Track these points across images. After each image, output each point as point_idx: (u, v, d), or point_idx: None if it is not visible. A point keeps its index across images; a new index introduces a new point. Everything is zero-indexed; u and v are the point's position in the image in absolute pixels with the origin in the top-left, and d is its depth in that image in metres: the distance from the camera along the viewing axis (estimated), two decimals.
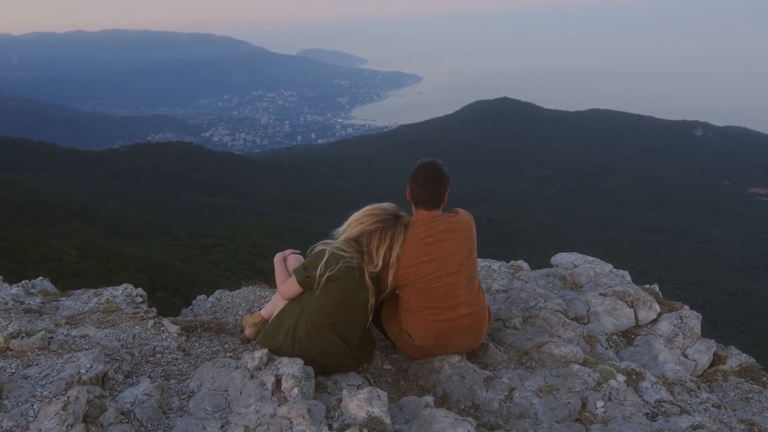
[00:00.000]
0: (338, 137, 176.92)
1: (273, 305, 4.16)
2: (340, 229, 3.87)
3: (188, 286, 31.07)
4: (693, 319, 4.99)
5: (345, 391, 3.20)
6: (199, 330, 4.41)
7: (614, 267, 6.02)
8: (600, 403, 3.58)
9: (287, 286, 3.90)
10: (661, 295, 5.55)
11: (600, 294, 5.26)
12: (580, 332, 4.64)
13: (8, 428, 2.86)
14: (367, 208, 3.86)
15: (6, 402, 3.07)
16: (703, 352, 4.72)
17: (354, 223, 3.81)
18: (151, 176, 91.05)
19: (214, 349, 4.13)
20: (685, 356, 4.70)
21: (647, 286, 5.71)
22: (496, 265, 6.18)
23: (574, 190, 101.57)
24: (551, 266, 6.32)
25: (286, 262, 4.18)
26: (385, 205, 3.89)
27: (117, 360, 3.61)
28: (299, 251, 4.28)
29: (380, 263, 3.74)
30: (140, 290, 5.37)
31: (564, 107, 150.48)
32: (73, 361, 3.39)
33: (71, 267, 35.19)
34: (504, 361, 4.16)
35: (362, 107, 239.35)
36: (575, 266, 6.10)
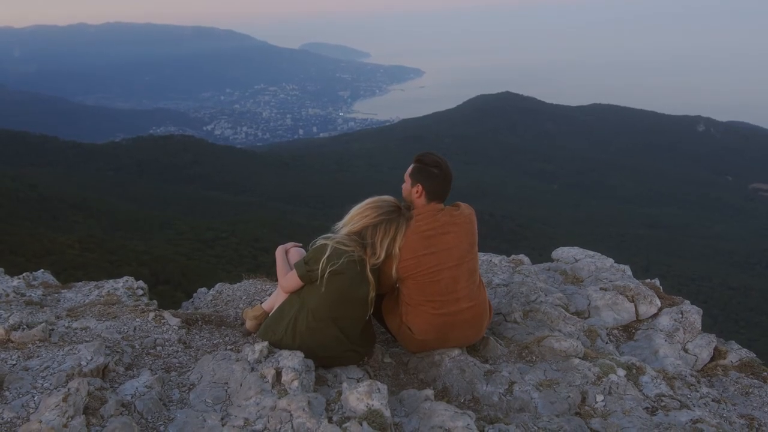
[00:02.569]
0: (340, 131, 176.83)
1: (274, 298, 4.16)
2: (341, 223, 3.86)
3: (189, 280, 31.09)
4: (693, 314, 4.99)
5: (345, 384, 3.20)
6: (200, 323, 4.41)
7: (615, 261, 6.02)
8: (600, 397, 3.58)
9: (288, 280, 3.90)
10: (661, 290, 5.56)
11: (601, 288, 5.26)
12: (580, 326, 4.64)
13: (9, 419, 2.86)
14: (369, 201, 3.85)
15: (7, 393, 3.08)
16: (703, 346, 4.72)
17: (357, 217, 3.80)
18: (153, 170, 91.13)
19: (214, 342, 4.13)
20: (686, 351, 4.70)
21: (648, 280, 5.71)
22: (497, 259, 6.18)
23: (575, 185, 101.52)
24: (552, 260, 6.32)
25: (288, 255, 4.17)
26: (386, 197, 3.89)
27: (118, 352, 3.61)
28: (301, 244, 4.28)
29: (383, 255, 3.73)
30: (141, 283, 5.38)
31: (566, 102, 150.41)
32: (74, 353, 3.40)
33: (73, 260, 35.24)
34: (504, 354, 4.17)
35: (364, 101, 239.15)
36: (576, 261, 6.10)
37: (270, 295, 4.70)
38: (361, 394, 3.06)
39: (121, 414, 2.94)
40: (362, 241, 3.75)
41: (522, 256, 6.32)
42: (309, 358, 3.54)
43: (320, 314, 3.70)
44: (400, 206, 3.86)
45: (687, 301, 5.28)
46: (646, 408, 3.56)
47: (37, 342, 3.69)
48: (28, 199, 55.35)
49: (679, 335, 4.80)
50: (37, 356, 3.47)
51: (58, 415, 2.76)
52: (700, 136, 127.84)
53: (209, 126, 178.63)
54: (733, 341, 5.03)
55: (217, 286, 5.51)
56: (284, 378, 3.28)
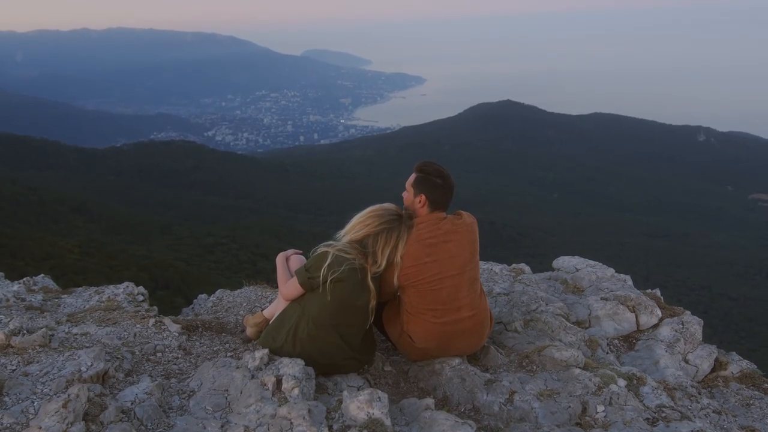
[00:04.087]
0: (341, 138, 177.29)
1: (276, 305, 4.14)
2: (343, 232, 3.85)
3: (189, 286, 31.12)
4: (694, 325, 4.98)
5: (345, 393, 3.19)
6: (200, 329, 4.40)
7: (616, 271, 6.01)
8: (600, 408, 3.57)
9: (288, 287, 3.89)
10: (662, 300, 5.55)
11: (601, 298, 5.25)
12: (581, 336, 4.63)
13: (8, 425, 2.86)
14: (370, 210, 3.84)
15: (6, 399, 3.07)
16: (704, 357, 4.71)
17: (358, 226, 3.80)
18: (154, 175, 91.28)
19: (214, 349, 4.13)
20: (686, 361, 4.69)
21: (649, 290, 5.70)
22: (497, 267, 6.18)
23: (576, 194, 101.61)
24: (553, 270, 6.31)
25: (289, 262, 4.16)
26: (387, 205, 3.88)
27: (118, 358, 3.61)
28: (300, 251, 4.27)
29: (384, 263, 3.73)
30: (141, 289, 5.36)
31: (567, 110, 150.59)
32: (74, 359, 3.39)
33: (73, 265, 35.29)
34: (505, 364, 4.16)
35: (365, 108, 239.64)
36: (577, 270, 6.09)
37: (271, 302, 4.69)
38: (362, 403, 3.05)
39: (120, 420, 2.94)
40: (363, 250, 3.75)
41: (523, 265, 6.32)
42: (309, 366, 3.54)
43: (321, 321, 3.69)
44: (401, 214, 3.85)
45: (688, 312, 5.27)
46: (647, 419, 3.55)
47: (37, 347, 3.68)
48: (29, 203, 55.43)
49: (680, 346, 4.80)
50: (37, 362, 3.47)
51: (58, 421, 2.76)
52: (700, 145, 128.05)
53: (210, 132, 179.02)
54: (734, 352, 5.02)
55: (218, 292, 5.51)
56: (285, 386, 3.28)
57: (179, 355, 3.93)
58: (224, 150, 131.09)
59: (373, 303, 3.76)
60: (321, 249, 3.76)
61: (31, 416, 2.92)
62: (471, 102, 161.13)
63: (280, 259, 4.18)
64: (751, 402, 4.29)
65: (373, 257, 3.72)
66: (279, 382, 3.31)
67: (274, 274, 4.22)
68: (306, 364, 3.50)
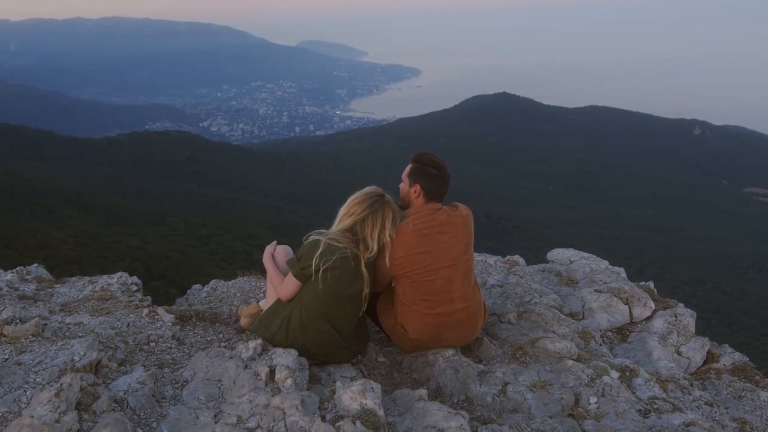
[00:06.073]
0: (336, 129, 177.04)
1: (270, 296, 4.13)
2: (333, 227, 3.83)
3: (184, 276, 31.08)
4: (687, 317, 5.00)
5: (339, 383, 3.19)
6: (194, 319, 4.39)
7: (610, 264, 6.02)
8: (593, 399, 3.58)
9: (285, 287, 3.82)
10: (656, 293, 5.56)
11: (595, 290, 5.26)
12: (574, 328, 4.64)
13: (1, 414, 2.85)
14: (352, 198, 3.83)
15: None
16: (696, 350, 4.73)
17: (344, 217, 3.79)
18: (149, 165, 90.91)
19: (208, 339, 4.12)
20: (679, 354, 4.71)
21: (642, 283, 5.71)
22: (492, 259, 6.18)
23: (571, 187, 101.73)
24: (547, 262, 6.33)
25: (275, 259, 4.10)
26: (368, 189, 3.86)
27: (111, 348, 3.60)
28: (276, 241, 4.23)
29: (376, 247, 3.73)
30: (135, 279, 5.35)
31: (563, 103, 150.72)
32: (67, 349, 3.38)
33: (67, 255, 35.19)
34: (498, 355, 4.17)
35: (361, 100, 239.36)
36: (571, 262, 6.10)
37: (265, 292, 4.68)
38: (355, 393, 3.05)
39: (113, 410, 2.93)
40: (354, 237, 3.74)
41: (517, 257, 6.32)
42: (302, 356, 3.54)
43: (313, 311, 3.69)
44: (382, 193, 3.84)
45: (681, 304, 5.29)
46: (639, 410, 3.56)
47: (30, 337, 3.67)
48: (23, 194, 55.14)
49: (673, 338, 4.81)
50: (30, 351, 3.46)
51: (51, 411, 2.75)
52: (695, 139, 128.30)
53: (205, 122, 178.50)
54: (727, 345, 5.04)
55: (212, 282, 5.50)
56: (278, 376, 3.28)
57: (173, 345, 3.92)
58: (219, 141, 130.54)
59: (366, 290, 3.75)
60: (313, 237, 3.75)
61: (23, 405, 2.91)
62: (467, 94, 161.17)
63: (267, 259, 4.10)
64: (742, 394, 4.31)
65: (364, 243, 3.72)
66: (272, 372, 3.31)
67: None
68: (299, 354, 3.50)
